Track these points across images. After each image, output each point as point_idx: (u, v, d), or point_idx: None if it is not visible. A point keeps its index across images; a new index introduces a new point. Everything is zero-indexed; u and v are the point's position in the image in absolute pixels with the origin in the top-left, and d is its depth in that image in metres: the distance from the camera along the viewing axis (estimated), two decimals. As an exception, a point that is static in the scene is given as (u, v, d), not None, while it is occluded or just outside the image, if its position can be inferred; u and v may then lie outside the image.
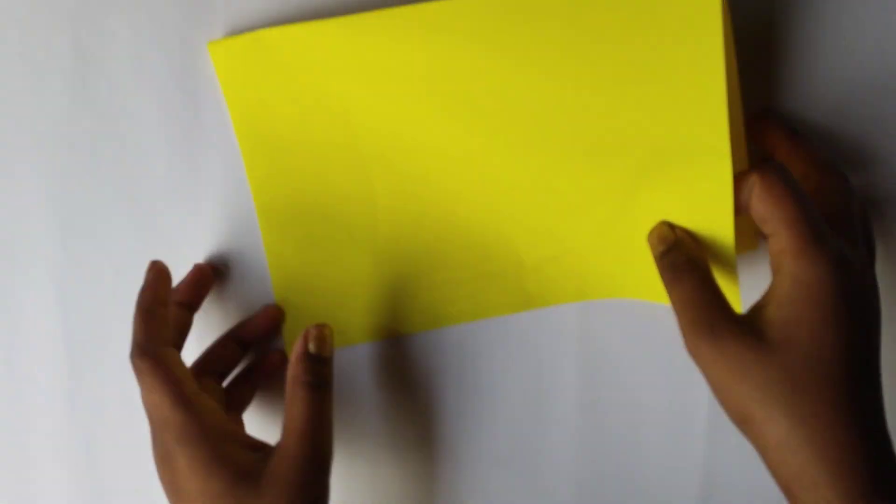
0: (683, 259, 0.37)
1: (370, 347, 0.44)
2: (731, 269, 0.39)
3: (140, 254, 0.44)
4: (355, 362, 0.45)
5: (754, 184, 0.35)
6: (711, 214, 0.38)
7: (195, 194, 0.43)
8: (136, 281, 0.44)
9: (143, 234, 0.44)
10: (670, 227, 0.39)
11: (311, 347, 0.39)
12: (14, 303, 0.44)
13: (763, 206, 0.34)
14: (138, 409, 0.43)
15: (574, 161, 0.40)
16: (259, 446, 0.38)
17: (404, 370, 0.45)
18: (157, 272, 0.41)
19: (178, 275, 0.43)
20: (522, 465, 0.45)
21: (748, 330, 0.34)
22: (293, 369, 0.39)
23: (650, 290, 0.42)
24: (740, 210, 0.37)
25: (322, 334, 0.40)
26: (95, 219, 0.44)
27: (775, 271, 0.34)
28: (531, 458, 0.45)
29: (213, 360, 0.42)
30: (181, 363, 0.39)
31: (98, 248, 0.44)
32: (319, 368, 0.39)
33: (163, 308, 0.40)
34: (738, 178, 0.36)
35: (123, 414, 0.45)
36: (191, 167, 0.43)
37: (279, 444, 0.37)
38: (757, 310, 0.35)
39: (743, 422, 0.34)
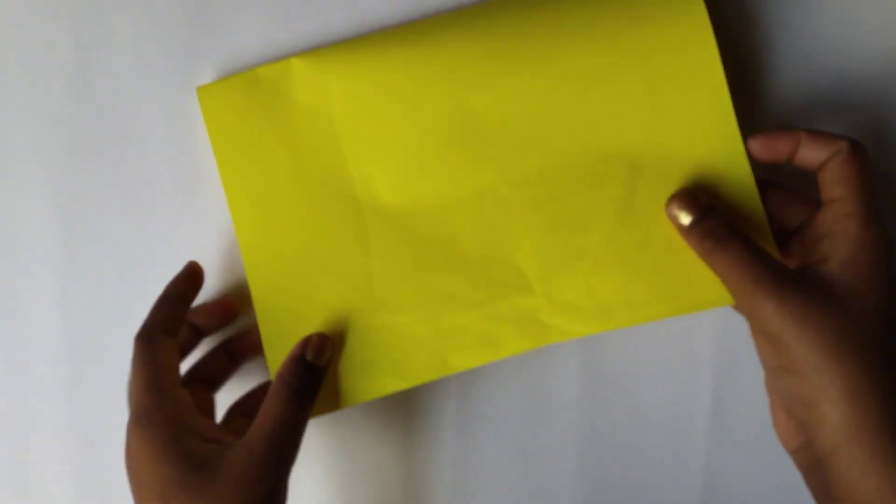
0: (724, 227, 0.37)
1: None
2: (765, 238, 0.39)
3: (141, 253, 0.44)
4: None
5: (842, 150, 0.37)
6: (731, 190, 0.39)
7: (197, 193, 0.43)
8: (137, 279, 0.44)
9: (144, 233, 0.44)
10: (695, 192, 0.39)
11: (308, 355, 0.39)
12: (16, 302, 0.44)
13: (843, 170, 0.37)
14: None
15: (576, 166, 0.40)
16: (219, 440, 0.38)
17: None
18: (190, 269, 0.41)
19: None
20: (525, 463, 0.45)
21: (814, 285, 0.35)
22: (283, 369, 0.39)
23: (670, 301, 0.40)
24: (806, 165, 0.38)
25: (322, 345, 0.40)
26: (97, 218, 0.44)
27: (833, 233, 0.36)
28: (533, 457, 0.45)
29: (203, 368, 0.42)
30: (172, 353, 0.39)
31: (99, 247, 0.44)
32: (308, 376, 0.39)
33: (180, 303, 0.40)
34: (823, 137, 0.38)
35: (125, 412, 0.45)
36: (192, 166, 0.43)
37: (244, 438, 0.37)
38: (813, 267, 0.37)
39: (797, 373, 0.35)
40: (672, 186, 0.40)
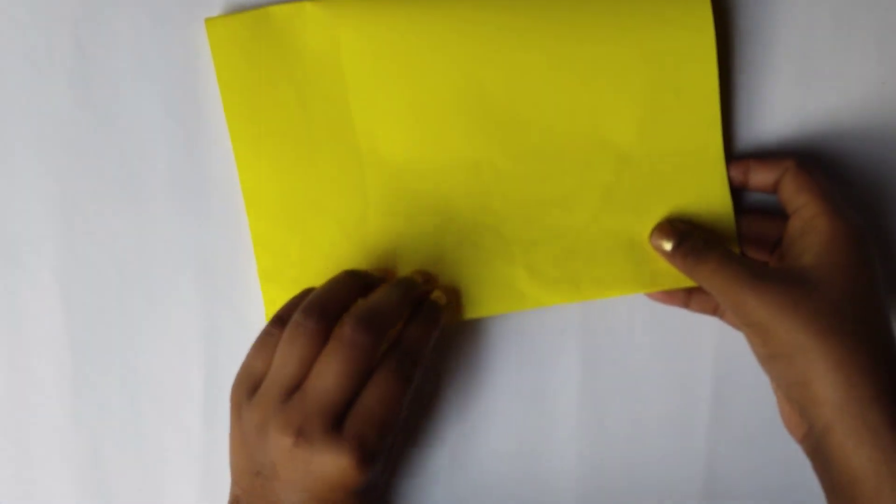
0: (702, 242, 0.41)
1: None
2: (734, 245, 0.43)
3: (141, 252, 0.44)
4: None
5: (790, 165, 0.41)
6: (707, 199, 0.42)
7: (198, 193, 0.43)
8: (137, 278, 0.44)
9: (145, 233, 0.44)
10: (673, 222, 0.42)
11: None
12: (17, 301, 0.44)
13: (797, 181, 0.40)
14: (141, 405, 0.44)
15: (571, 149, 0.42)
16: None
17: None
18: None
19: (177, 275, 0.44)
20: (525, 460, 0.45)
21: (790, 276, 0.38)
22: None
23: (643, 281, 0.43)
24: (761, 188, 0.42)
25: None
26: (97, 217, 0.44)
27: (805, 233, 0.39)
28: (534, 454, 0.45)
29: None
30: None
31: (100, 247, 0.44)
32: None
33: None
34: (769, 161, 0.41)
35: (127, 411, 0.45)
36: (192, 165, 0.43)
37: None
38: (791, 262, 0.39)
39: (786, 356, 0.37)
40: (655, 184, 0.42)
